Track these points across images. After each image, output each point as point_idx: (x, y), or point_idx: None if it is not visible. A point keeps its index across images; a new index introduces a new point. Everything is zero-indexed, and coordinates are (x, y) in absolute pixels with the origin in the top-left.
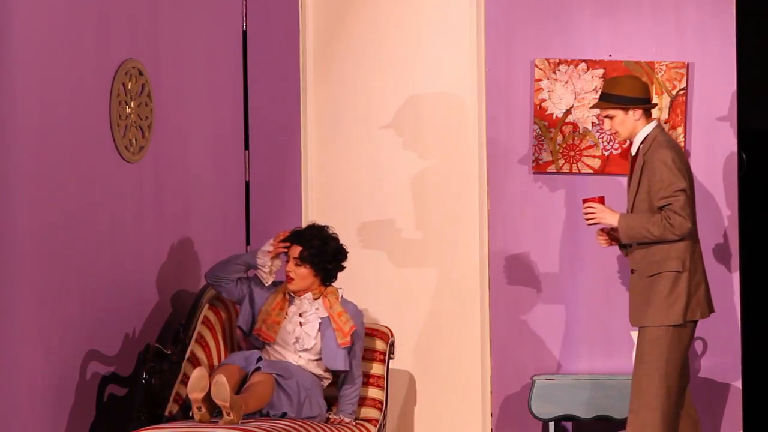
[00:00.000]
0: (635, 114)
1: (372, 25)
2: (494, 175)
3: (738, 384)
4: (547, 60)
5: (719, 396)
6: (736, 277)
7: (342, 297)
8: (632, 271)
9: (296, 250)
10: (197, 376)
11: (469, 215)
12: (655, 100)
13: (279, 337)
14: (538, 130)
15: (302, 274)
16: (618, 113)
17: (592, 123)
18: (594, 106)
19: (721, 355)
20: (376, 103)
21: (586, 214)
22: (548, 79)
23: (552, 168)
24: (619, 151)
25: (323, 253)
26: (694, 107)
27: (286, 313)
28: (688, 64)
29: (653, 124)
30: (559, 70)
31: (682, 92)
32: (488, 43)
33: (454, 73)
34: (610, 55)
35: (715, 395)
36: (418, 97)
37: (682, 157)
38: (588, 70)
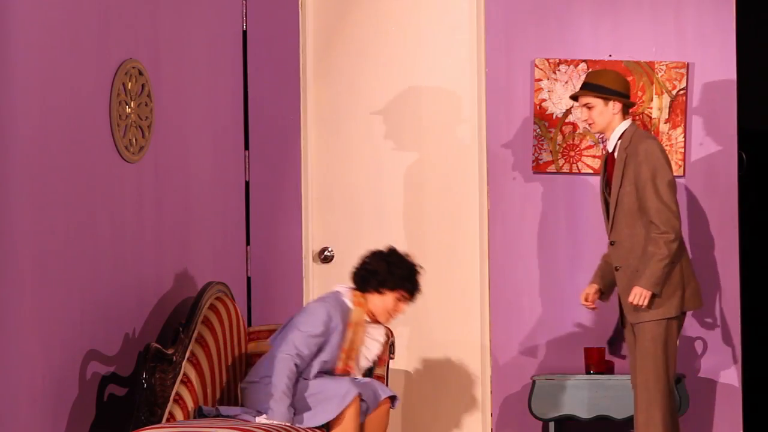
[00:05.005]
0: (614, 107)
1: (372, 25)
2: (494, 175)
3: (738, 384)
4: (547, 60)
5: (719, 396)
6: (736, 277)
7: None
8: (616, 269)
9: (411, 297)
10: None
11: (469, 215)
12: (654, 101)
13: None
14: (538, 130)
15: None
16: (598, 103)
17: None
18: (575, 95)
19: (721, 355)
20: (376, 103)
21: (636, 303)
22: (548, 79)
23: (552, 168)
24: None
25: None
26: (694, 107)
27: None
28: (688, 64)
29: (629, 121)
30: (559, 70)
31: (682, 92)
32: (488, 43)
33: (454, 73)
34: (610, 55)
35: (715, 395)
36: (418, 97)
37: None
38: (588, 70)
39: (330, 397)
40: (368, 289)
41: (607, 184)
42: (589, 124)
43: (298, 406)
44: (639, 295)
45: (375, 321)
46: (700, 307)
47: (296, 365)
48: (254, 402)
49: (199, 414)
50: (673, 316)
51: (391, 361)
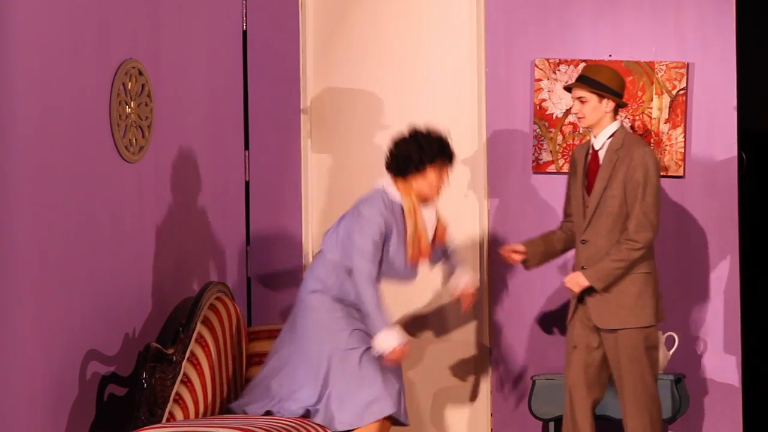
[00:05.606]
0: (607, 105)
1: (372, 25)
2: (494, 175)
3: (738, 384)
4: (547, 60)
5: (719, 396)
6: (736, 277)
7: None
8: (582, 268)
9: (449, 163)
10: None
11: (470, 215)
12: (654, 101)
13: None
14: (538, 130)
15: None
16: (592, 99)
17: None
18: (569, 86)
19: (721, 355)
20: (376, 103)
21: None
22: (548, 79)
23: (552, 168)
24: None
25: None
26: (694, 107)
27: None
28: (688, 64)
29: (619, 122)
30: (559, 70)
31: (682, 92)
32: (488, 43)
33: (454, 73)
34: (610, 55)
35: (715, 395)
36: (418, 96)
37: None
38: None
39: (366, 402)
40: (408, 173)
41: (585, 181)
42: (579, 118)
43: (337, 392)
44: (576, 282)
45: (424, 201)
46: (664, 320)
47: (375, 276)
48: (322, 315)
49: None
50: (653, 324)
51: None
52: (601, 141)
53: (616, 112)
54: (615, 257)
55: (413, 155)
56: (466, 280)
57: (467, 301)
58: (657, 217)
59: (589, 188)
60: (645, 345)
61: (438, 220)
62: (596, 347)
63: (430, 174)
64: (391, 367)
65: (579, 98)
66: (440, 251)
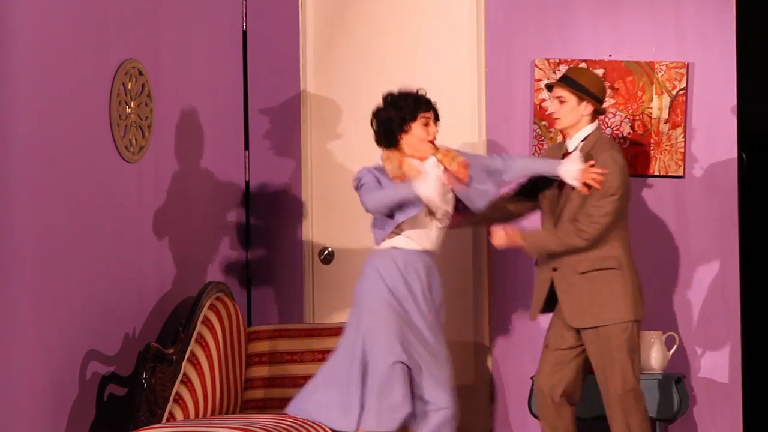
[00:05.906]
0: (586, 109)
1: (372, 25)
2: None
3: (738, 384)
4: (547, 60)
5: (719, 396)
6: (736, 277)
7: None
8: (554, 269)
9: (431, 114)
10: None
11: None
12: (654, 101)
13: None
14: (538, 130)
15: None
16: (572, 100)
17: None
18: (550, 84)
19: (721, 355)
20: (376, 103)
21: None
22: (548, 79)
23: None
24: None
25: None
26: (694, 107)
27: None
28: (688, 64)
29: (595, 125)
30: (559, 70)
31: (682, 92)
32: (488, 43)
33: (454, 73)
34: (610, 55)
35: (715, 395)
36: None
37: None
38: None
39: (376, 410)
40: (397, 137)
41: (557, 182)
42: (555, 119)
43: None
44: (509, 235)
45: (422, 157)
46: (645, 318)
47: (379, 189)
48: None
49: None
50: (636, 320)
51: None
52: (574, 143)
53: (594, 117)
54: (557, 233)
55: (394, 118)
56: (575, 165)
57: (592, 174)
58: (608, 217)
59: (560, 188)
60: (628, 345)
61: (444, 168)
62: (569, 347)
63: (416, 129)
64: (413, 386)
65: (558, 98)
66: (491, 181)
